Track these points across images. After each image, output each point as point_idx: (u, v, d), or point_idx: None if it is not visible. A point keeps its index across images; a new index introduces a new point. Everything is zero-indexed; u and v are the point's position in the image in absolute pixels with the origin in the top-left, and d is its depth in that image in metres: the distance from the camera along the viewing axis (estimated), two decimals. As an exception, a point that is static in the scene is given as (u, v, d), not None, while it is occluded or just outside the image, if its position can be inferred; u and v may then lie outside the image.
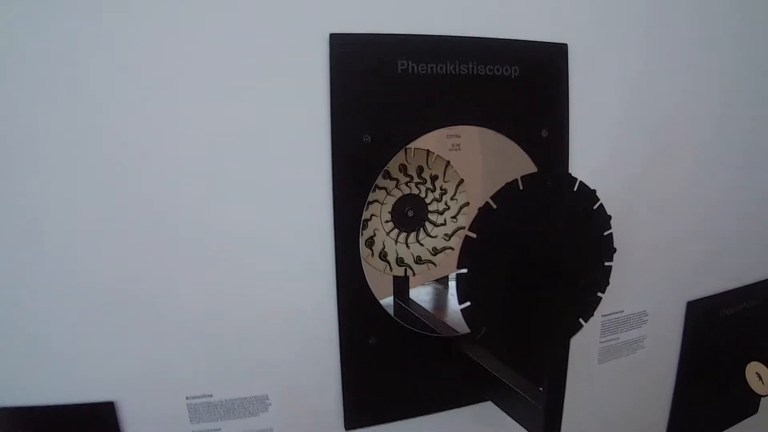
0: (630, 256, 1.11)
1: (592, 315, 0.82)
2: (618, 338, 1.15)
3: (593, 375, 1.17)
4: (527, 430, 0.84)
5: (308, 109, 0.75)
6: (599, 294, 0.83)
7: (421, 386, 0.92)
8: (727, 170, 1.25)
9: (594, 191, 0.78)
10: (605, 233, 0.81)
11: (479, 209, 0.73)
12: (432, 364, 0.93)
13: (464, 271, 0.74)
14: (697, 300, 1.28)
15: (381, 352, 0.90)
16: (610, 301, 1.11)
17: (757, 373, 1.39)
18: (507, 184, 0.74)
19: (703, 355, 1.36)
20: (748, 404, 1.48)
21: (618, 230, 1.06)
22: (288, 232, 0.77)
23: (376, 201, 1.03)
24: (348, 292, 0.83)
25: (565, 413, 1.17)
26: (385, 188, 1.03)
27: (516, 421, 0.86)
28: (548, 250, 0.78)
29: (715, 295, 1.32)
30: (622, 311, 1.14)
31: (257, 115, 0.73)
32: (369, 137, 0.83)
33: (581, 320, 0.80)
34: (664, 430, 1.37)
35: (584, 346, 1.14)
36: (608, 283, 0.81)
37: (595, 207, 0.79)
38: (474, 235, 0.73)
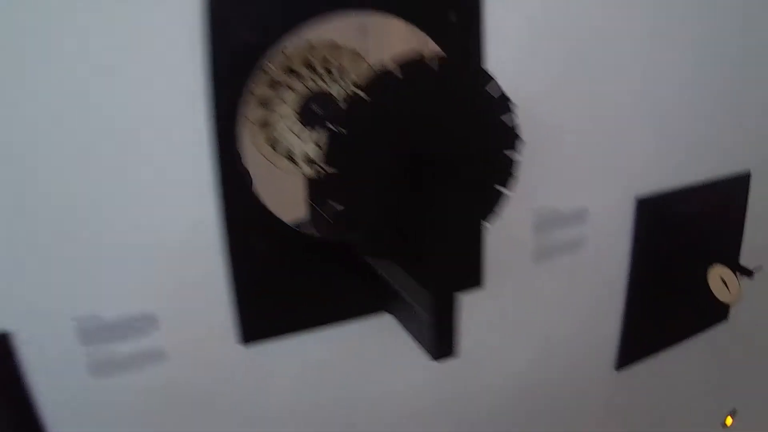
0: (562, 149, 1.04)
1: (496, 214, 0.74)
2: (553, 236, 1.08)
3: (528, 275, 1.09)
4: (421, 347, 0.76)
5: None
6: (503, 190, 0.75)
7: (320, 296, 0.86)
8: (681, 59, 1.15)
9: (488, 74, 0.68)
10: (507, 121, 0.72)
11: (347, 101, 0.66)
12: (331, 272, 0.85)
13: (332, 171, 0.66)
14: (648, 197, 1.20)
15: (272, 261, 0.82)
16: (543, 197, 1.04)
17: (721, 277, 1.32)
18: (380, 71, 0.66)
19: (658, 258, 1.28)
20: (715, 311, 1.40)
21: (545, 122, 1.00)
22: (163, 139, 0.71)
23: (280, 99, 0.95)
24: (232, 198, 0.76)
25: (495, 317, 1.14)
26: (288, 85, 0.95)
27: (412, 337, 0.79)
28: (434, 144, 0.70)
29: (671, 192, 1.23)
30: (556, 208, 1.06)
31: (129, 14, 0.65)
32: (248, 29, 0.74)
33: (483, 221, 0.73)
34: (617, 340, 1.31)
35: (515, 243, 1.06)
36: (513, 177, 0.74)
37: (491, 91, 0.71)
38: (343, 131, 0.66)
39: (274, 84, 0.84)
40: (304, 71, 0.93)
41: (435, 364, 0.71)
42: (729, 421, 1.77)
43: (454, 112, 0.70)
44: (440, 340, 0.70)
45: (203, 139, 0.72)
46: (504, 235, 0.99)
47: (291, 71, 0.91)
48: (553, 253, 1.08)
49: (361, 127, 0.64)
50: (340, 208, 0.67)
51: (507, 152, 0.73)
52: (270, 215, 0.81)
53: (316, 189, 0.74)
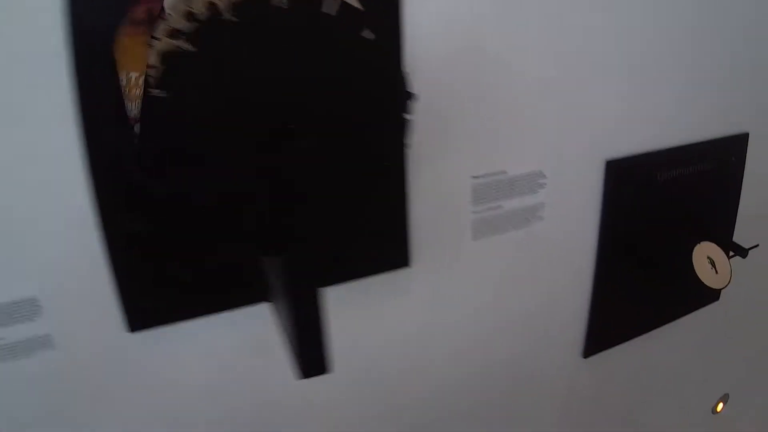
0: (508, 102, 0.87)
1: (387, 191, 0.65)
2: (500, 206, 0.90)
3: (466, 254, 0.93)
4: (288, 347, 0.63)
5: None
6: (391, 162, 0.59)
7: (210, 280, 0.75)
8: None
9: (359, 11, 0.55)
10: (392, 75, 0.60)
11: (163, 57, 0.49)
12: (215, 258, 0.74)
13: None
14: (620, 160, 1.01)
15: (154, 242, 0.71)
16: (486, 160, 0.87)
17: (708, 257, 1.12)
18: (208, 17, 0.49)
19: (632, 232, 1.10)
20: (705, 291, 1.18)
21: (487, 66, 0.82)
22: (28, 115, 0.63)
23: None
24: (103, 178, 0.66)
25: (432, 297, 0.97)
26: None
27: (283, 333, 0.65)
28: (292, 110, 0.58)
29: (648, 154, 1.04)
30: (504, 172, 0.88)
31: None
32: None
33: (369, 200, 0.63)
34: (584, 325, 1.13)
35: (447, 216, 0.89)
36: (405, 146, 0.61)
37: (367, 36, 0.54)
38: (162, 94, 0.50)
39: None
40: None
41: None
42: (720, 407, 1.63)
43: (315, 66, 0.58)
44: (304, 352, 0.58)
45: (69, 112, 0.63)
46: (440, 207, 0.86)
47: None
48: (500, 226, 0.89)
49: (184, 89, 0.47)
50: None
51: (394, 114, 0.56)
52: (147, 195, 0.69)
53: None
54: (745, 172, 1.20)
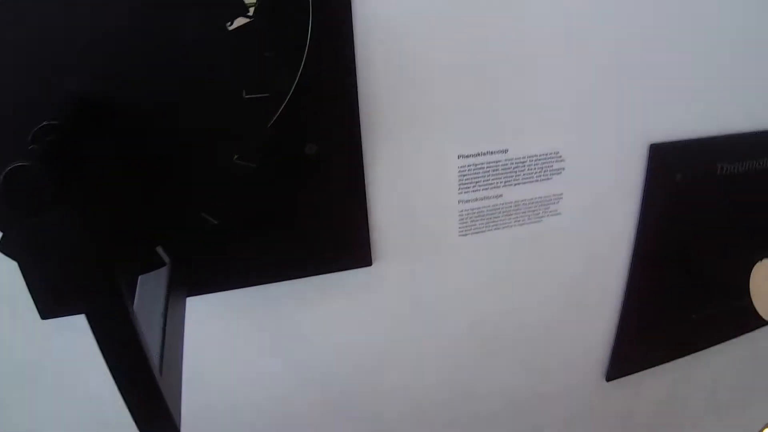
0: (507, 59, 0.64)
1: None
2: (500, 196, 0.67)
3: (450, 253, 0.73)
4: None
5: None
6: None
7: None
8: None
9: None
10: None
11: None
12: None
13: None
14: (669, 143, 0.75)
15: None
16: (479, 135, 0.66)
17: None
18: None
19: (677, 236, 0.85)
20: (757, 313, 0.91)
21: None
22: None
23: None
24: None
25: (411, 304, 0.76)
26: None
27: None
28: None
29: (706, 139, 0.78)
30: (505, 151, 0.65)
31: None
32: None
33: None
34: (609, 342, 0.90)
35: (425, 206, 0.68)
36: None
37: None
38: None
39: None
40: None
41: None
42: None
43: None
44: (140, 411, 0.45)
45: None
46: (415, 195, 0.67)
47: None
48: (498, 220, 0.67)
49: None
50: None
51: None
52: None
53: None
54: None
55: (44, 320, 0.63)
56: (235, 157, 0.55)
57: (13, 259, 0.56)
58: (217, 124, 0.53)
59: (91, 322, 0.41)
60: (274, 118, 0.54)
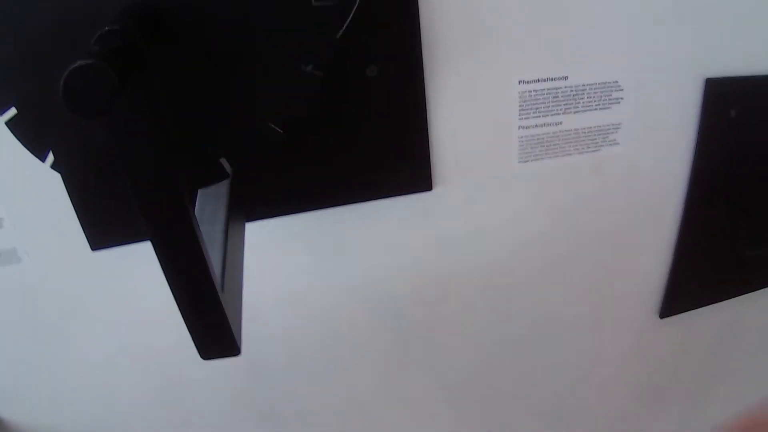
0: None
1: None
2: (560, 123, 0.68)
3: (510, 180, 0.73)
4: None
5: None
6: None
7: None
8: None
9: None
10: None
11: None
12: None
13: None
14: (726, 79, 0.74)
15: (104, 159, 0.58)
16: (539, 60, 0.66)
17: None
18: None
19: (734, 175, 0.83)
20: None
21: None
22: None
23: None
24: None
25: (463, 229, 0.77)
26: None
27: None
28: None
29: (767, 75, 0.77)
30: (565, 77, 0.65)
31: None
32: None
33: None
34: (663, 279, 0.89)
35: (485, 132, 0.69)
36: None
37: None
38: None
39: None
40: None
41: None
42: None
43: None
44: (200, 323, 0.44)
45: None
46: (476, 120, 0.67)
47: None
48: (557, 148, 0.67)
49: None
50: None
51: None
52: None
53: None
54: None
55: (93, 251, 0.64)
56: (307, 67, 0.55)
57: (67, 176, 0.57)
58: (288, 31, 0.53)
59: (153, 231, 0.40)
60: (343, 29, 0.54)
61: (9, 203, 0.61)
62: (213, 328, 0.44)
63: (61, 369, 0.73)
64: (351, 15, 0.55)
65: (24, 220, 0.63)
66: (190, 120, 0.57)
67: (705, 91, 0.75)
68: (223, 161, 0.59)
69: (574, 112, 0.68)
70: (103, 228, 0.63)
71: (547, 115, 0.68)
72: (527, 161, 0.70)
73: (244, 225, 0.62)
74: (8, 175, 0.60)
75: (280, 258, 0.70)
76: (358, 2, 0.54)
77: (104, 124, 0.36)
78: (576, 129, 0.69)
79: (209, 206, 0.55)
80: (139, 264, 0.65)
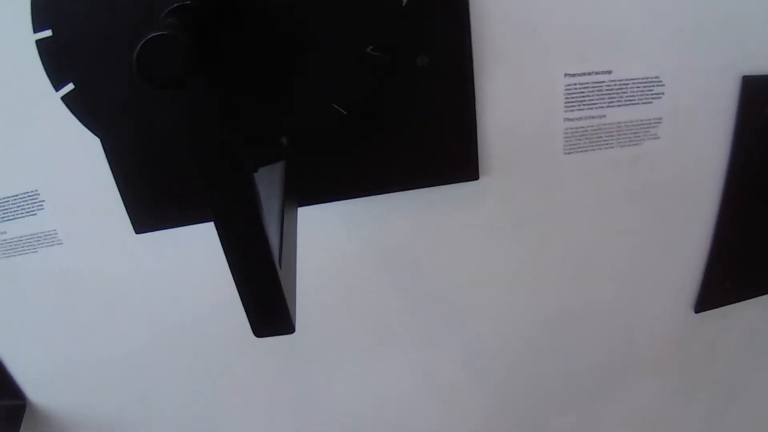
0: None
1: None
2: (603, 116, 0.70)
3: (555, 170, 0.75)
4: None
5: None
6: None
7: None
8: None
9: None
10: None
11: None
12: None
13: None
14: (763, 77, 0.76)
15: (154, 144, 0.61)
16: (585, 54, 0.68)
17: None
18: None
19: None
20: None
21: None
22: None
23: None
24: None
25: (506, 222, 0.80)
26: None
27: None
28: None
29: None
30: (609, 72, 0.67)
31: None
32: None
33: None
34: (700, 272, 0.90)
35: (532, 122, 0.71)
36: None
37: None
38: None
39: None
40: None
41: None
42: None
43: None
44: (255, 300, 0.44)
45: None
46: (523, 111, 0.70)
47: None
48: (601, 141, 0.69)
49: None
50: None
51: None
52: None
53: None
54: None
55: (137, 235, 0.64)
56: (370, 48, 0.57)
57: (116, 157, 0.58)
58: (353, 10, 0.55)
59: (217, 206, 0.40)
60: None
61: (50, 184, 0.63)
62: (271, 304, 0.45)
63: (96, 355, 0.75)
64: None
65: (65, 202, 0.64)
66: (254, 98, 0.58)
67: (742, 88, 0.76)
68: (284, 140, 0.60)
69: (618, 106, 0.70)
70: (148, 211, 0.64)
71: (592, 108, 0.70)
72: (572, 152, 0.72)
73: (296, 207, 0.63)
74: (49, 155, 0.61)
75: (325, 244, 0.72)
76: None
77: (176, 96, 0.36)
78: (619, 122, 0.72)
79: (263, 187, 0.56)
80: (182, 249, 0.67)
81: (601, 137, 0.72)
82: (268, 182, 0.57)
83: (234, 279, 0.43)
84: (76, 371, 0.78)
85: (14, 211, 0.64)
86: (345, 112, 0.59)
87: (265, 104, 0.58)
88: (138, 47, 0.33)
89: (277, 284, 0.44)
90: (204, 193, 0.40)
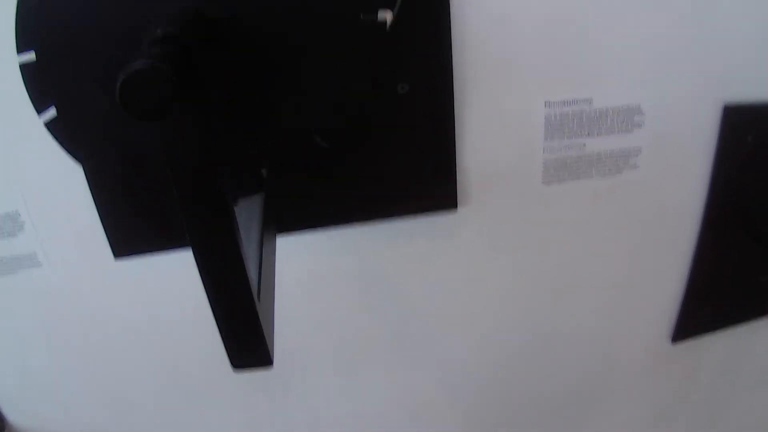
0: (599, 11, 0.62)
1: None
2: (583, 145, 0.67)
3: (534, 201, 0.72)
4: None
5: None
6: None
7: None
8: None
9: None
10: None
11: None
12: None
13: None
14: (743, 106, 0.74)
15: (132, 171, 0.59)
16: (564, 82, 0.66)
17: None
18: None
19: (750, 201, 0.83)
20: None
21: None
22: None
23: None
24: None
25: (487, 248, 0.77)
26: None
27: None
28: None
29: None
30: (589, 100, 0.65)
31: None
32: None
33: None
34: (677, 302, 0.87)
35: (511, 152, 0.68)
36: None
37: None
38: None
39: None
40: None
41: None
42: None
43: None
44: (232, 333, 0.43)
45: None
46: (503, 140, 0.67)
47: None
48: (581, 170, 0.67)
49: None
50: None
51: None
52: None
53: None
54: None
55: (116, 259, 0.63)
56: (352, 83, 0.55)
57: (96, 181, 0.56)
58: (338, 36, 0.54)
59: (195, 236, 0.39)
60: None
61: (30, 206, 0.61)
62: (248, 337, 0.44)
63: (75, 376, 0.73)
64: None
65: (45, 225, 0.63)
66: (237, 129, 0.57)
67: (723, 116, 0.74)
68: (264, 172, 0.59)
69: (597, 135, 0.68)
70: (128, 236, 0.63)
71: (572, 137, 0.67)
72: (551, 183, 0.69)
73: (275, 236, 0.61)
74: (31, 176, 0.59)
75: (303, 273, 0.70)
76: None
77: (157, 126, 0.35)
78: (599, 152, 0.69)
79: (243, 218, 0.54)
80: (161, 275, 0.64)
81: (580, 167, 0.69)
82: (248, 213, 0.55)
83: (212, 310, 0.42)
84: (55, 392, 0.76)
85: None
86: (327, 145, 0.58)
87: (247, 135, 0.58)
88: (121, 79, 0.32)
89: (255, 317, 0.43)
90: (183, 224, 0.38)
